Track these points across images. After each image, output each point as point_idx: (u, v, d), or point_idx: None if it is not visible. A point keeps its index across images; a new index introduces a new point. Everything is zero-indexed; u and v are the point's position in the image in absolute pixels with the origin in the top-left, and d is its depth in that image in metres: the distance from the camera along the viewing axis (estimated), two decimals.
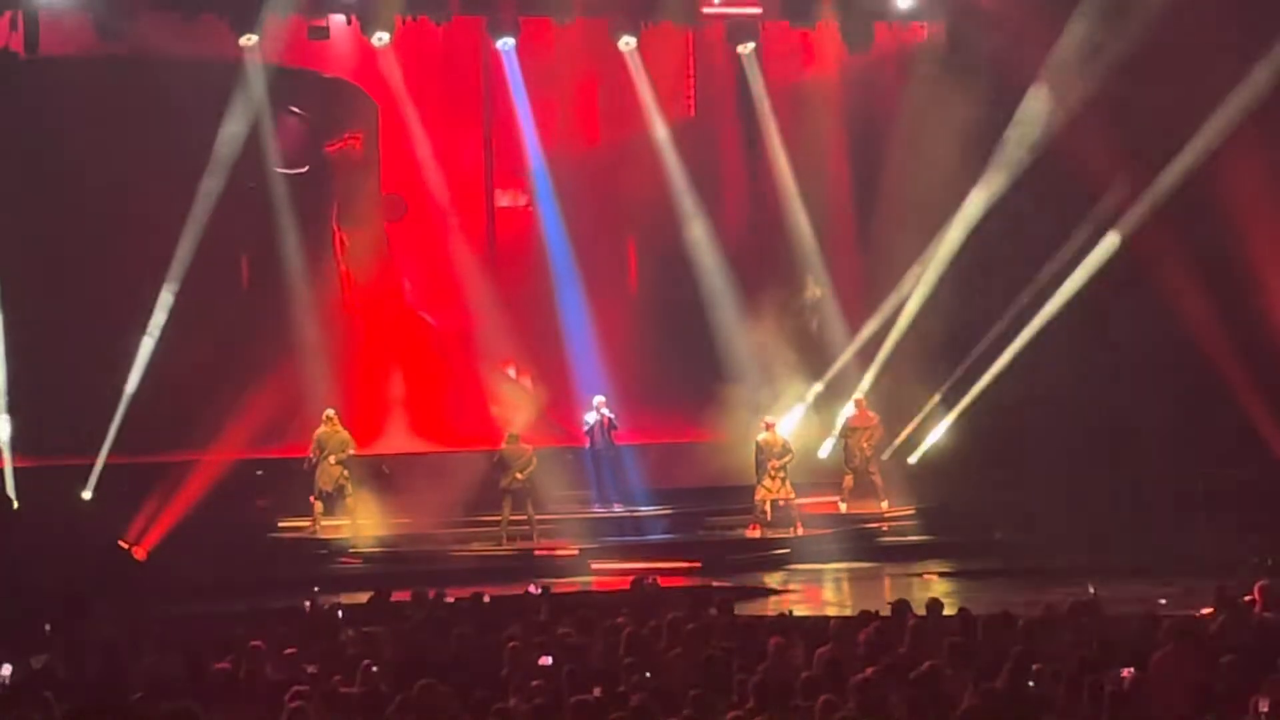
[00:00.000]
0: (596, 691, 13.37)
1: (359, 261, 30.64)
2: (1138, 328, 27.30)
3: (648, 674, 14.08)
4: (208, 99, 27.60)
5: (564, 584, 23.53)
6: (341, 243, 30.68)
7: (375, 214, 31.05)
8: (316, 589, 20.96)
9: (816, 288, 30.21)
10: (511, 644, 15.31)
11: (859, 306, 29.55)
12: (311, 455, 26.88)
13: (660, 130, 29.94)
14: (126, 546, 24.95)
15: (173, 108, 26.97)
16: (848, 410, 28.57)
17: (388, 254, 31.21)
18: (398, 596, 19.76)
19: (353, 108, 30.60)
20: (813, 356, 29.55)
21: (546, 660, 14.92)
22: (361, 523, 27.10)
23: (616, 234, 31.50)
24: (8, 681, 13.58)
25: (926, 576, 25.52)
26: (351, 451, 27.12)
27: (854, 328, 29.46)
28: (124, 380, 27.05)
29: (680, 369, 29.37)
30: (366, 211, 30.91)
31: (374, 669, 14.50)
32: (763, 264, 30.28)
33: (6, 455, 26.11)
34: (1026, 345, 27.73)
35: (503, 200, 31.57)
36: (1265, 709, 12.40)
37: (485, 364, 30.16)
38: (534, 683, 13.75)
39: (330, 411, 27.14)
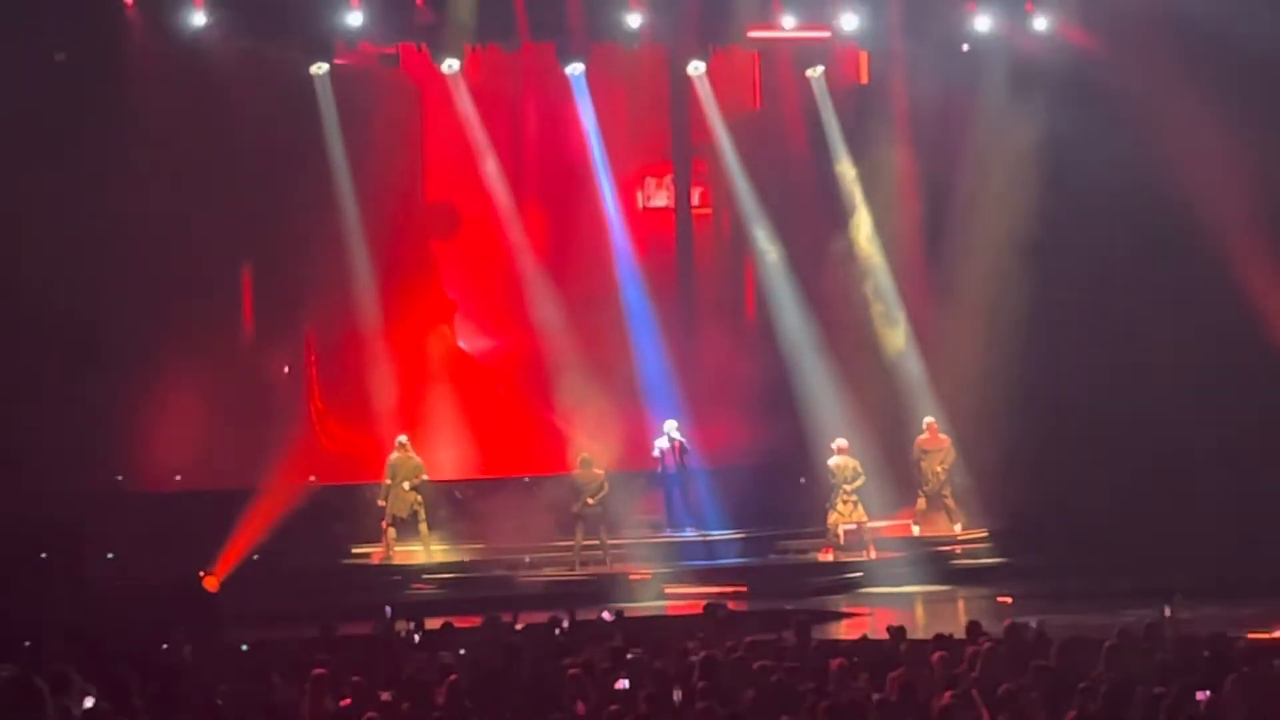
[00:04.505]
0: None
1: (406, 286, 29.64)
2: (1212, 339, 27.11)
3: (721, 698, 14.04)
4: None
5: (637, 609, 23.51)
6: None
7: (419, 228, 30.35)
8: (389, 610, 20.91)
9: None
10: (572, 671, 15.22)
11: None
12: (385, 481, 26.99)
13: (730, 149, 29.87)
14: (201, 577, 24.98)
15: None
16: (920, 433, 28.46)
17: (435, 275, 30.53)
18: (470, 622, 19.77)
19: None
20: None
21: (623, 684, 14.90)
22: (434, 548, 27.18)
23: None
24: (92, 710, 13.67)
25: (1001, 599, 25.35)
26: (424, 477, 27.20)
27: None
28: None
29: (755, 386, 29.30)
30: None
31: (456, 682, 14.52)
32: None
33: None
34: (1098, 360, 27.61)
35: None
36: None
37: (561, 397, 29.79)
38: (611, 706, 13.73)
39: (403, 438, 27.22)
